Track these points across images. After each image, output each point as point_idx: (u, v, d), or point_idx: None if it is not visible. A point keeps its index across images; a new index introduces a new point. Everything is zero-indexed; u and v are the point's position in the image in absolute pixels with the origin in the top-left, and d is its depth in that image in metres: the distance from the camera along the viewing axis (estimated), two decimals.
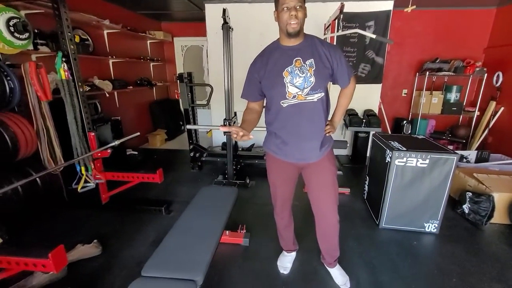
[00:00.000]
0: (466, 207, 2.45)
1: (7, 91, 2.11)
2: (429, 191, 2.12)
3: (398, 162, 2.10)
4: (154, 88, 4.95)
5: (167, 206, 2.54)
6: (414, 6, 2.51)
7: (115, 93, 3.92)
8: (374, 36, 2.34)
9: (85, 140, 2.33)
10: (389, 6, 3.64)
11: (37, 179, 2.38)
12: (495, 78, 3.76)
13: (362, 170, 3.61)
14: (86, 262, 1.86)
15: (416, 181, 2.12)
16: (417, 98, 4.37)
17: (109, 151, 2.39)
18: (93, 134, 2.35)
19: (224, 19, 2.54)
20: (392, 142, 2.27)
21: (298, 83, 1.30)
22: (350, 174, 3.54)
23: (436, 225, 2.20)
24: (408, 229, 2.24)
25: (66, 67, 2.10)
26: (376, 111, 4.02)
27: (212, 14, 3.84)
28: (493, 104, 3.90)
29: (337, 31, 2.81)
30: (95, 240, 1.96)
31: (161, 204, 2.54)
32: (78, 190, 2.30)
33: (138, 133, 2.75)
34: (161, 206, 2.49)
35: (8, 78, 2.10)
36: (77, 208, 2.54)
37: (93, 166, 2.37)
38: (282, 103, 1.33)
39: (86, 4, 3.27)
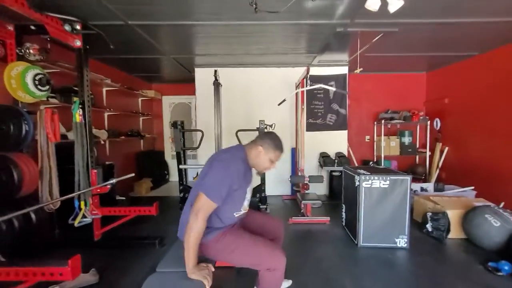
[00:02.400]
0: (429, 226, 2.81)
1: (22, 133, 2.36)
2: (393, 208, 2.49)
3: (365, 184, 2.51)
4: (142, 139, 5.28)
5: (161, 239, 2.63)
6: (361, 69, 3.29)
7: (107, 141, 4.18)
8: (334, 89, 3.01)
9: (88, 178, 2.52)
10: (345, 70, 4.57)
11: (33, 216, 2.45)
12: (435, 123, 4.61)
13: (339, 205, 3.94)
14: None
15: (382, 200, 2.51)
16: (378, 142, 5.07)
17: (108, 187, 2.57)
18: (95, 171, 2.56)
19: (215, 77, 3.12)
20: (359, 170, 2.71)
21: (247, 199, 1.54)
22: (328, 208, 3.86)
23: (406, 240, 2.51)
24: (382, 245, 2.52)
25: (81, 112, 2.44)
26: (346, 154, 4.60)
27: (201, 76, 4.53)
28: (439, 145, 4.65)
29: (306, 87, 3.49)
30: (92, 269, 2.01)
31: (154, 238, 2.64)
32: (75, 224, 2.37)
33: (133, 174, 2.98)
34: (155, 240, 2.59)
35: (26, 122, 2.37)
36: (67, 247, 2.54)
37: (91, 202, 2.51)
38: (236, 213, 1.48)
39: (92, 66, 3.78)
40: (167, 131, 6.06)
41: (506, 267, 2.05)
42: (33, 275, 1.39)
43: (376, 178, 2.50)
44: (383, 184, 2.50)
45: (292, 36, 3.17)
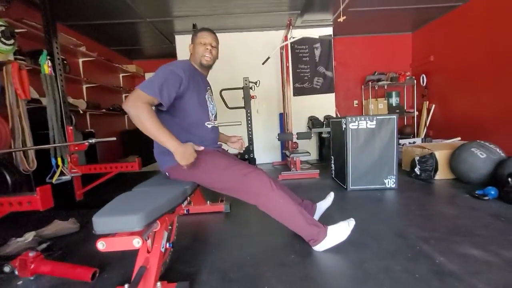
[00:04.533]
0: (417, 169, 2.81)
1: None
2: (381, 148, 2.47)
3: (352, 126, 2.47)
4: (126, 116, 5.12)
5: None
6: (345, 17, 3.20)
7: (88, 114, 4.03)
8: (317, 36, 2.93)
9: (63, 134, 2.39)
10: (329, 31, 4.48)
11: (8, 180, 2.32)
12: (421, 79, 4.61)
13: (327, 166, 3.93)
14: (63, 237, 1.80)
15: (369, 141, 2.47)
16: (366, 105, 5.05)
17: (86, 144, 2.46)
18: (71, 128, 2.43)
19: (195, 29, 2.98)
20: (346, 116, 2.67)
21: (211, 109, 1.52)
22: (317, 167, 3.83)
23: (394, 181, 2.50)
24: (372, 187, 2.51)
25: (49, 64, 2.29)
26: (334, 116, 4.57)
27: (182, 44, 4.36)
28: (426, 104, 4.66)
29: (289, 40, 3.39)
30: (72, 218, 1.92)
31: None
32: (53, 181, 2.26)
33: (115, 138, 2.87)
34: None
35: None
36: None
37: (69, 159, 2.40)
38: (207, 124, 1.47)
39: (66, 34, 3.58)
40: None
41: (492, 192, 2.05)
42: (0, 205, 1.29)
43: (362, 119, 2.46)
44: (370, 125, 2.46)
45: None
